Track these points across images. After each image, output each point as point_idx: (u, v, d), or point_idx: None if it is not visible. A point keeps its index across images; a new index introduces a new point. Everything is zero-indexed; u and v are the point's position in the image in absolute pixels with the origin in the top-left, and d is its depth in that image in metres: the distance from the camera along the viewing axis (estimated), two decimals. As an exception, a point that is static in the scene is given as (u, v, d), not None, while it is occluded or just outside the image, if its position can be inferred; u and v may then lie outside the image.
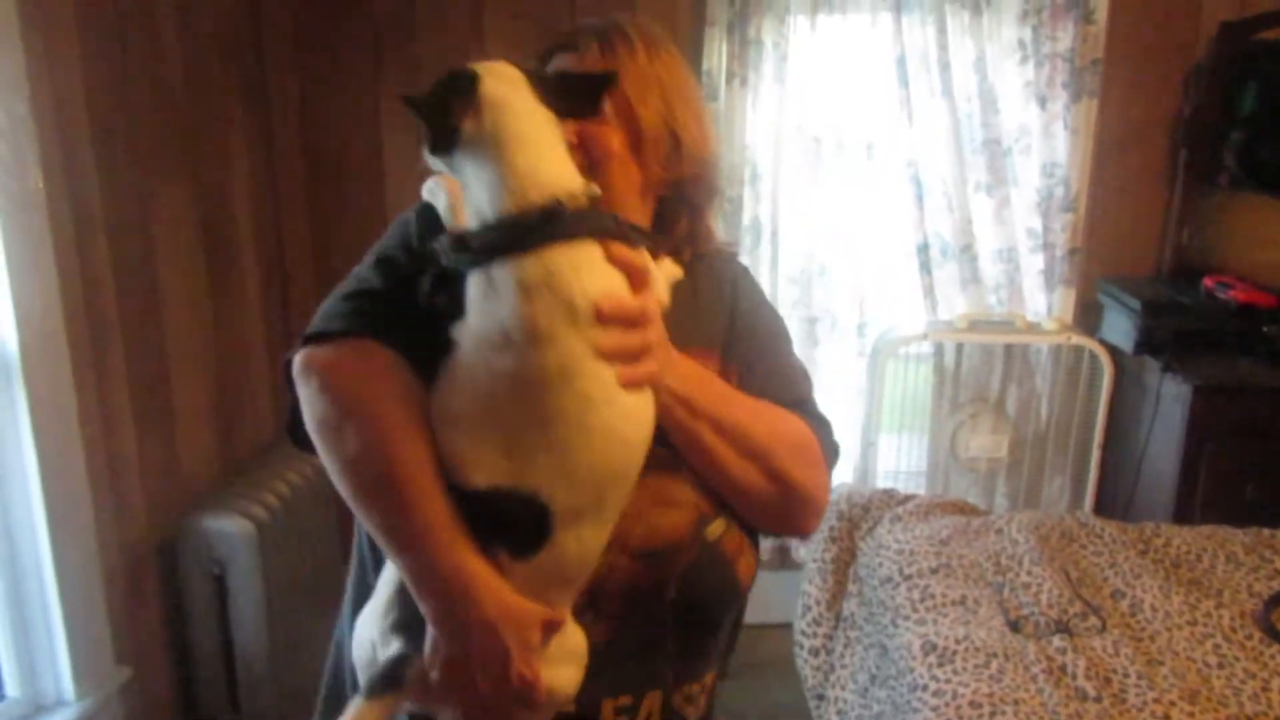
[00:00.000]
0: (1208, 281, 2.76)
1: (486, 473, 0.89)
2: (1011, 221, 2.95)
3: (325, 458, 0.96)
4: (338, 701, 1.05)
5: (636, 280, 0.91)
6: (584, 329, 0.87)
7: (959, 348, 2.93)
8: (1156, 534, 2.28)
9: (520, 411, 0.88)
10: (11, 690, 2.03)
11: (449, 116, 0.88)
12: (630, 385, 0.90)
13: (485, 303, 0.88)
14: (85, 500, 2.05)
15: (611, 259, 0.89)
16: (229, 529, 2.32)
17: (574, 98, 0.96)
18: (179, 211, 2.44)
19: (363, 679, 0.96)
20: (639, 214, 1.11)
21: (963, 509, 2.47)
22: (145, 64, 2.28)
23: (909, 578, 2.10)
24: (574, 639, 0.96)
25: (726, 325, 1.15)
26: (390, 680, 0.91)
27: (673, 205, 1.14)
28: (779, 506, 1.07)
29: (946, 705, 1.70)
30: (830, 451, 1.14)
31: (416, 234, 1.07)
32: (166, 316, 2.37)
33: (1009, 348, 2.92)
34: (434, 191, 1.01)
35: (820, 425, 1.13)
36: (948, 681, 1.76)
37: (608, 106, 1.05)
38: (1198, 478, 2.59)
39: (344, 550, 2.92)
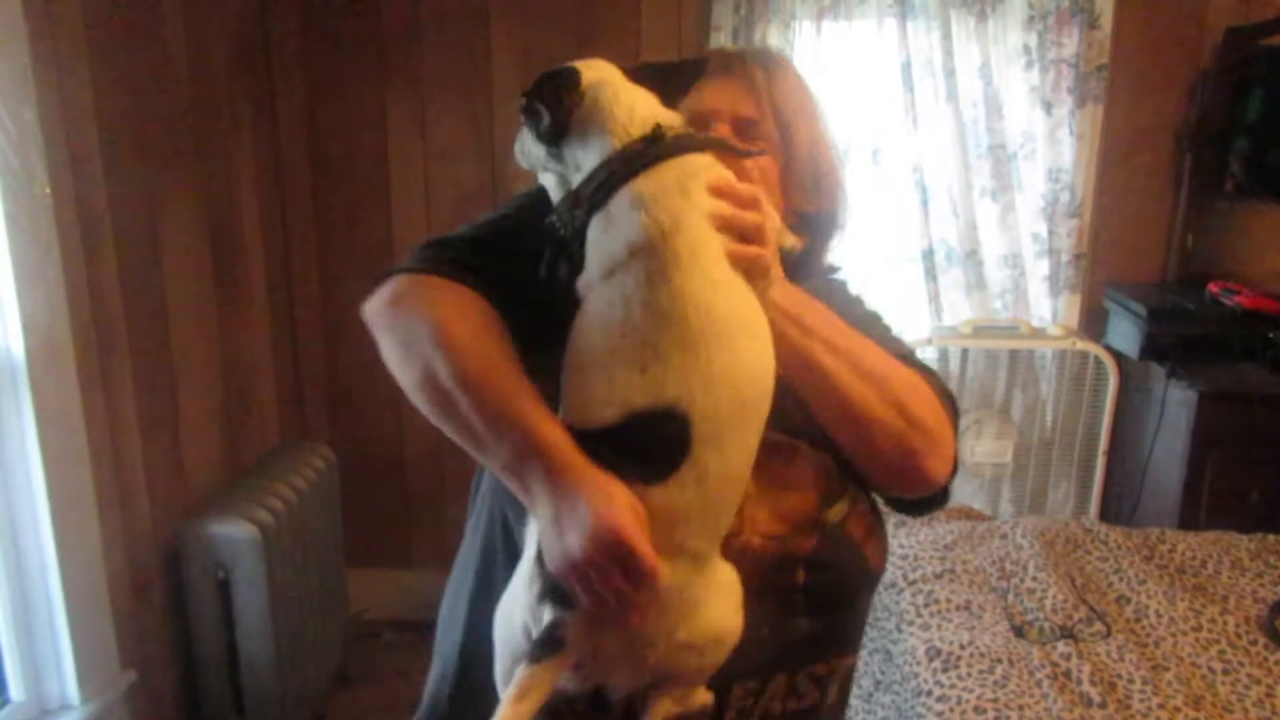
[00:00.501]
0: (1213, 287, 2.76)
1: (621, 399, 0.89)
2: (1016, 227, 2.95)
3: (405, 374, 0.96)
4: (472, 699, 1.03)
5: (744, 177, 0.94)
6: (698, 199, 0.90)
7: (964, 353, 2.93)
8: (1161, 540, 2.27)
9: (651, 315, 0.89)
10: (16, 694, 2.03)
11: (562, 108, 0.95)
12: (739, 261, 0.90)
13: (605, 235, 0.91)
14: (90, 505, 2.06)
15: (720, 159, 0.94)
16: (234, 534, 2.33)
17: (665, 82, 1.00)
18: (186, 218, 2.45)
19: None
20: None
21: (968, 514, 2.47)
22: (153, 71, 2.30)
23: (913, 583, 2.10)
24: (724, 573, 0.95)
25: None
26: (552, 643, 0.90)
27: (798, 235, 1.12)
28: (904, 444, 1.00)
29: (951, 711, 1.70)
30: (946, 396, 1.08)
31: (535, 204, 1.06)
32: (173, 322, 2.38)
33: (1014, 353, 2.92)
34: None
35: (930, 374, 1.09)
36: (952, 687, 1.75)
37: (773, 130, 1.08)
38: (1203, 484, 2.59)
39: (348, 555, 2.93)
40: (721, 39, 2.85)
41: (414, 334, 0.95)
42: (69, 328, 1.98)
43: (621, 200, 0.90)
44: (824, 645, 1.08)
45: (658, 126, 0.92)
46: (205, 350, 2.54)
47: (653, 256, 0.89)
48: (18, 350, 1.88)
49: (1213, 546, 2.23)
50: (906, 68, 2.83)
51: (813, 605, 1.04)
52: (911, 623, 1.98)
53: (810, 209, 1.12)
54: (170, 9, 2.35)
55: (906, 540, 2.25)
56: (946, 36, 2.81)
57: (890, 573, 2.16)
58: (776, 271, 0.97)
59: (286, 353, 3.06)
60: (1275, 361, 2.60)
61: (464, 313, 0.96)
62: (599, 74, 0.97)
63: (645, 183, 0.90)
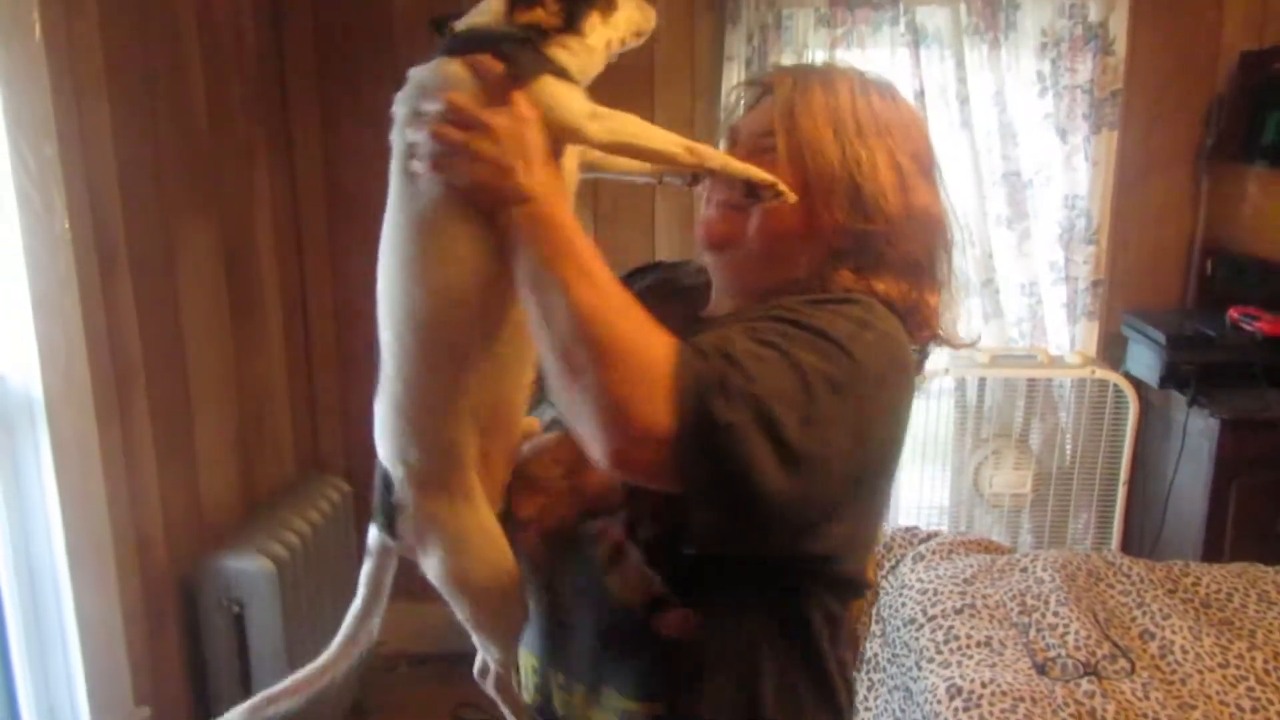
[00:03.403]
0: (1233, 313, 2.73)
1: None
2: (1033, 254, 2.93)
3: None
4: None
5: (494, 95, 0.94)
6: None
7: (981, 382, 2.91)
8: (1185, 572, 2.23)
9: None
10: (31, 730, 2.03)
11: None
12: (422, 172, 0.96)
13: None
14: (106, 538, 2.06)
15: (472, 68, 0.95)
16: (249, 567, 2.32)
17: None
18: (203, 250, 2.46)
19: None
20: (794, 254, 1.06)
21: (987, 547, 2.44)
22: (171, 105, 2.31)
23: (933, 619, 2.07)
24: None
25: None
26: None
27: (842, 257, 1.06)
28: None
29: (973, 750, 1.67)
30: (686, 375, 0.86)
31: None
32: (189, 355, 2.38)
33: (1032, 382, 2.89)
34: None
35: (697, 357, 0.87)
36: (974, 725, 1.72)
37: (784, 142, 1.05)
38: (1226, 514, 2.55)
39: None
40: (735, 68, 2.86)
41: None
42: (86, 362, 1.98)
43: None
44: None
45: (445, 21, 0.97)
46: (221, 383, 2.55)
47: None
48: (35, 384, 1.88)
49: (1238, 579, 2.19)
50: (920, 96, 2.82)
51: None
52: (931, 660, 1.95)
53: (854, 225, 1.05)
54: (189, 45, 2.38)
55: (925, 574, 2.22)
56: (960, 65, 2.81)
57: (909, 608, 2.13)
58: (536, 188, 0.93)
59: (302, 385, 3.07)
60: (1298, 389, 2.57)
61: None
62: None
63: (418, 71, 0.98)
